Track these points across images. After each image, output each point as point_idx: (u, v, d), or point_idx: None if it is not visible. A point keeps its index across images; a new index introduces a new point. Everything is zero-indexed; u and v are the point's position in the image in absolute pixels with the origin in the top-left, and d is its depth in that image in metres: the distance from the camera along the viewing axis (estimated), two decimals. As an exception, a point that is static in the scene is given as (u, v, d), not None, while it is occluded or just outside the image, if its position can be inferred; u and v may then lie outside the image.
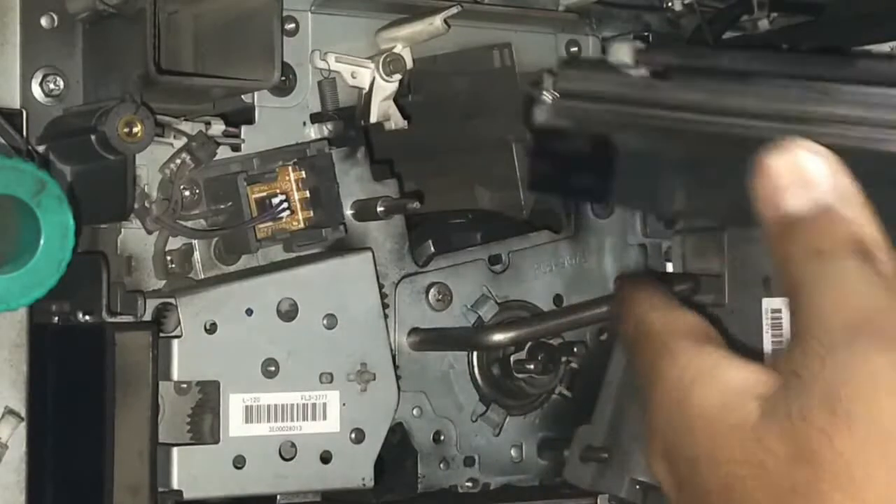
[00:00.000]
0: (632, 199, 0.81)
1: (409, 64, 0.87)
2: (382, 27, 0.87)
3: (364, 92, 0.87)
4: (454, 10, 0.85)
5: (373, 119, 0.86)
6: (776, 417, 0.50)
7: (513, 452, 0.93)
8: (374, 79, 0.86)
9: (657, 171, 0.78)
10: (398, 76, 0.86)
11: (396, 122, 0.87)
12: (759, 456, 0.51)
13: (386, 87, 0.86)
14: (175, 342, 0.80)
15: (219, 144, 0.82)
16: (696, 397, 0.54)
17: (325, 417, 0.84)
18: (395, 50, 0.86)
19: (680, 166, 0.76)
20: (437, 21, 0.85)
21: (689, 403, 0.54)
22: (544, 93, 0.80)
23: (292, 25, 0.85)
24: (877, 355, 0.49)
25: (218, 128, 0.82)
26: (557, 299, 0.94)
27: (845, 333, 0.50)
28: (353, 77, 0.86)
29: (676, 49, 0.80)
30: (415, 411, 0.89)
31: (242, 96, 0.84)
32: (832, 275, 0.51)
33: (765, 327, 0.85)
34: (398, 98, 0.87)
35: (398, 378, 0.87)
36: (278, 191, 0.84)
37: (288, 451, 0.83)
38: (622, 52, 0.75)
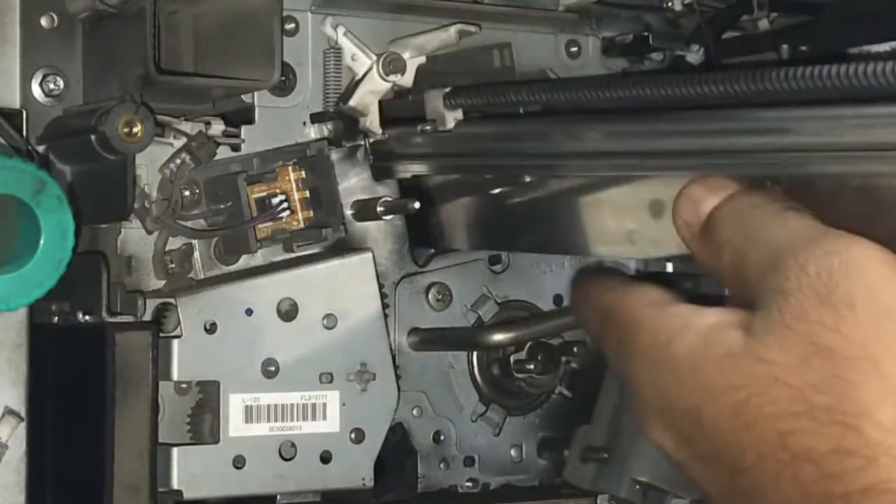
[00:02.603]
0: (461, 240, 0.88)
1: (411, 79, 0.86)
2: (395, 39, 0.87)
3: (356, 78, 0.86)
4: (474, 30, 0.85)
5: (352, 103, 0.85)
6: (770, 332, 0.51)
7: (513, 452, 0.93)
8: (370, 70, 0.86)
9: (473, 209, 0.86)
10: (395, 78, 0.86)
11: (372, 124, 0.86)
12: (764, 370, 0.51)
13: (378, 83, 0.86)
14: (175, 342, 0.80)
15: (219, 144, 0.82)
16: (675, 349, 0.54)
17: (324, 417, 0.84)
18: (405, 56, 0.86)
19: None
20: (452, 31, 0.84)
21: (670, 357, 0.54)
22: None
23: (292, 25, 0.85)
24: (856, 247, 0.51)
25: (218, 128, 0.82)
26: (557, 299, 0.94)
27: (814, 238, 0.53)
28: (353, 59, 0.86)
29: (481, 90, 0.83)
30: (415, 411, 0.89)
31: (242, 96, 0.84)
32: (771, 217, 0.55)
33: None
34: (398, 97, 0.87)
35: (398, 378, 0.87)
36: (278, 191, 0.84)
37: (288, 451, 0.83)
38: (434, 100, 0.82)
